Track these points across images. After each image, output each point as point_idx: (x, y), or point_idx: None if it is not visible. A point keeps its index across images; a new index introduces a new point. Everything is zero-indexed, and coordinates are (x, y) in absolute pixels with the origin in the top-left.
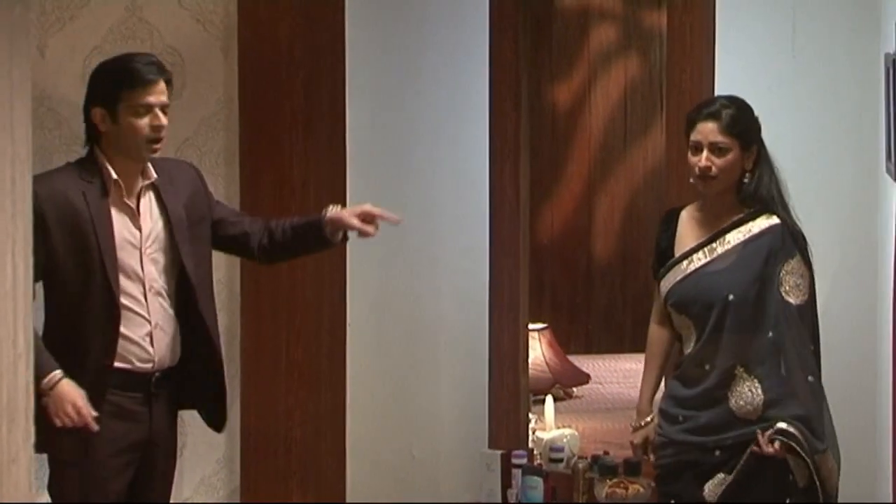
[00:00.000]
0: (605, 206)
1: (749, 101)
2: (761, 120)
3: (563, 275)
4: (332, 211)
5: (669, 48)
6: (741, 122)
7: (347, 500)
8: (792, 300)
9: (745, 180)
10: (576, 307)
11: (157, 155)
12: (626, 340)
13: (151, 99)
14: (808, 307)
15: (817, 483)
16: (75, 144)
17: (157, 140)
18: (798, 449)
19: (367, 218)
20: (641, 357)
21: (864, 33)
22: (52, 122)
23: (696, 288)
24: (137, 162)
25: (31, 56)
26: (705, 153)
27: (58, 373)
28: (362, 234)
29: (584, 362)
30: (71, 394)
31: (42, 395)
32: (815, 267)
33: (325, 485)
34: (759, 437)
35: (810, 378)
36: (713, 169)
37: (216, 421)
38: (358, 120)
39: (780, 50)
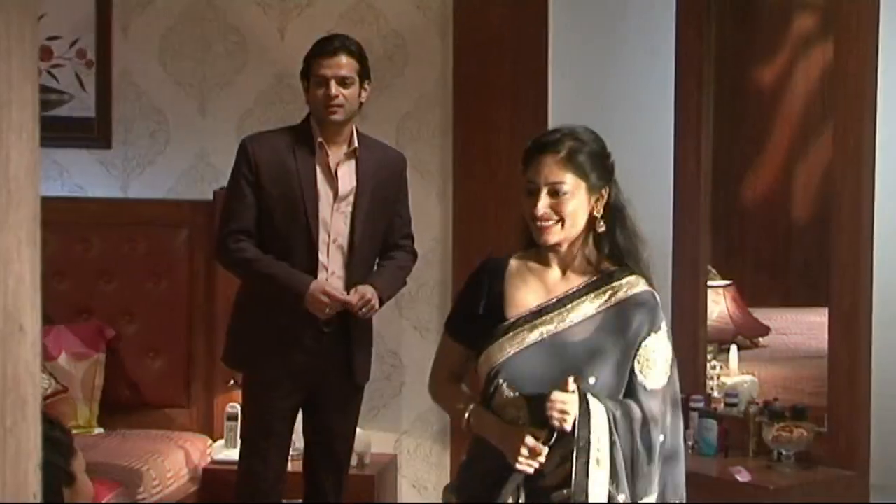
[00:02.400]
0: (803, 176)
1: None
2: None
3: (764, 236)
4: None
5: (836, 32)
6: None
7: None
8: (648, 383)
9: (599, 230)
10: (776, 265)
11: (337, 118)
12: (822, 295)
13: (327, 72)
14: (664, 392)
15: None
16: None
17: (331, 107)
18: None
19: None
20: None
21: None
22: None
23: (543, 364)
24: (322, 125)
25: (37, 43)
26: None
27: (309, 280)
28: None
29: (778, 315)
30: (318, 287)
31: (304, 303)
32: None
33: None
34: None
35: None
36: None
37: (358, 377)
38: (559, 96)
39: None
